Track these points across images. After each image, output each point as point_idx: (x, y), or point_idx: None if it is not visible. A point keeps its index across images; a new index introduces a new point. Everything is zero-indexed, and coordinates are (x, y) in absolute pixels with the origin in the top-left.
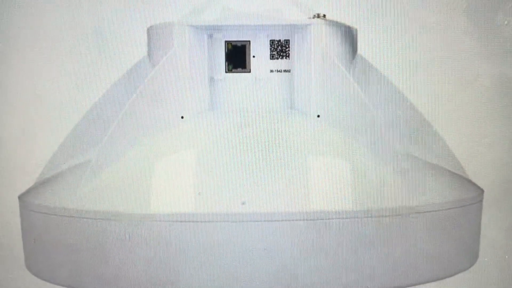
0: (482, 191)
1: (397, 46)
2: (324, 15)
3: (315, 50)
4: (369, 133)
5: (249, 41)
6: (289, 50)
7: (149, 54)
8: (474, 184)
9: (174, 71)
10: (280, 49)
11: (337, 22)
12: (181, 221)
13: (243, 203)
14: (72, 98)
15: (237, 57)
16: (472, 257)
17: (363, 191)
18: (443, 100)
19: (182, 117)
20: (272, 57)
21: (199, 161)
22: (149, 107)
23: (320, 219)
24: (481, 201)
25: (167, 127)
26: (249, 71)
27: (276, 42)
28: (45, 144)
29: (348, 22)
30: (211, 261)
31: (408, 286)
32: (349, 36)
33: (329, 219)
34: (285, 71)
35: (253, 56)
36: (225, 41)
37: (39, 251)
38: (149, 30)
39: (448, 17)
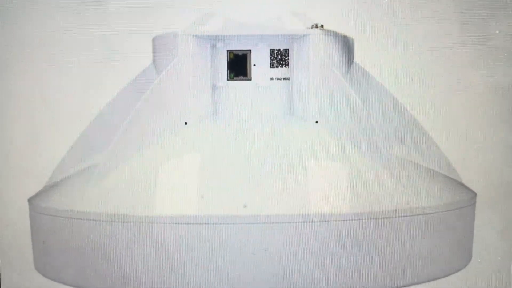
0: (475, 194)
1: (392, 54)
2: (322, 25)
3: (314, 58)
4: (366, 138)
5: (250, 50)
6: (288, 59)
7: (154, 62)
8: (467, 188)
9: (178, 79)
10: (280, 58)
11: (334, 32)
12: (185, 223)
13: (245, 206)
14: (80, 104)
15: (238, 65)
16: (465, 258)
17: (361, 194)
18: (437, 107)
19: (185, 123)
20: (272, 65)
21: (202, 165)
22: (154, 113)
23: (319, 222)
24: (474, 204)
25: (171, 133)
26: (250, 79)
27: (276, 51)
28: (53, 149)
29: (345, 32)
30: (214, 262)
31: (403, 287)
32: (346, 45)
33: (327, 221)
34: (284, 79)
35: (254, 65)
36: (227, 50)
37: (48, 252)
38: (154, 40)
39: (441, 26)
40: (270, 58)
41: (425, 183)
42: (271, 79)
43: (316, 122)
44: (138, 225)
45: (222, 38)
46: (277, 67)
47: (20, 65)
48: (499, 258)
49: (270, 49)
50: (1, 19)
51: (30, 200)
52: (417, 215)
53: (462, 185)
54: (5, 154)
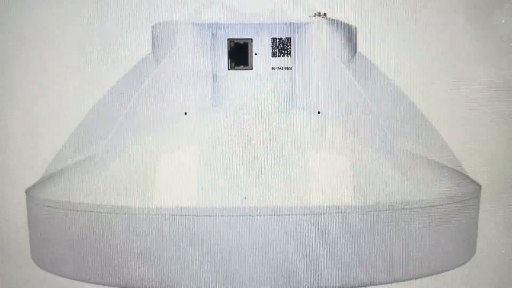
0: (480, 186)
1: (396, 44)
2: (325, 14)
3: (316, 48)
4: (369, 129)
5: (251, 39)
6: (290, 48)
7: (154, 51)
8: (471, 180)
9: (177, 68)
10: (281, 47)
11: (337, 20)
12: (184, 215)
13: (245, 198)
14: (78, 94)
15: (239, 54)
16: (469, 252)
17: (363, 186)
18: (441, 98)
19: (185, 113)
20: (273, 54)
21: (202, 156)
22: (153, 103)
23: (320, 214)
24: (478, 196)
25: (170, 123)
26: (251, 68)
27: (277, 40)
28: (51, 139)
29: (348, 21)
30: (213, 254)
31: (406, 280)
32: (349, 35)
33: (329, 213)
34: (286, 68)
35: (255, 54)
36: (228, 39)
37: (45, 244)
38: (154, 28)
39: (446, 16)
40: (272, 47)
41: (429, 175)
42: (273, 68)
43: (318, 112)
44: (137, 217)
45: (223, 26)
46: (278, 56)
47: (18, 57)
48: (503, 251)
49: (272, 38)
50: None
51: (27, 191)
52: (421, 207)
53: (466, 177)
54: (4, 148)
